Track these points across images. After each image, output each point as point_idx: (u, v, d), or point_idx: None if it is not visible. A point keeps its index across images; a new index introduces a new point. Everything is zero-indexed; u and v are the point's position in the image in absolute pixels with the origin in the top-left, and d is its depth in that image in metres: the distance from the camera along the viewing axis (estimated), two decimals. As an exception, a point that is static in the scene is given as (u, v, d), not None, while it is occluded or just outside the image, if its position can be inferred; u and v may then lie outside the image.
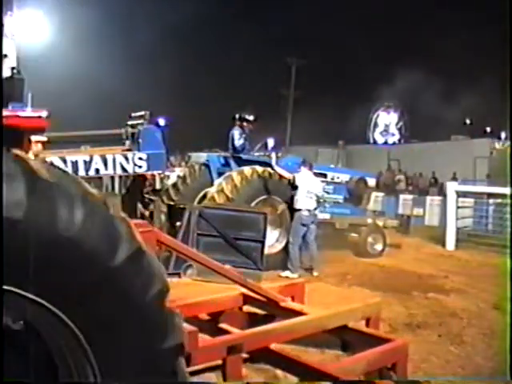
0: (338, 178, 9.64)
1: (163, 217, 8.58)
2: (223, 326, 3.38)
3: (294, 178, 8.02)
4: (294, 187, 7.98)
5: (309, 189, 7.93)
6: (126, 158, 7.00)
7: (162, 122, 8.24)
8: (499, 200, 11.54)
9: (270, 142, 9.49)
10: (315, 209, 8.01)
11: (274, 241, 8.33)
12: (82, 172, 6.77)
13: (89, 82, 26.39)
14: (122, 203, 8.42)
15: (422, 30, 31.56)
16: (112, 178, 7.91)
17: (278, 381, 3.40)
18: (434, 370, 4.21)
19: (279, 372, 3.33)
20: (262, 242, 7.29)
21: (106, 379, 1.29)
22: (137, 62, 31.51)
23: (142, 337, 1.37)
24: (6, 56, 5.99)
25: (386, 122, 35.48)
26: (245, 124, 8.82)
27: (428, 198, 16.00)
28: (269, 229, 7.74)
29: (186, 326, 2.73)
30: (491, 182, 15.15)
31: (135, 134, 7.18)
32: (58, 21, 20.34)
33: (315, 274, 7.83)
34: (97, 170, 6.89)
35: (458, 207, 11.13)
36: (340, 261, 8.72)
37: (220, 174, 8.56)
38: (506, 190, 9.68)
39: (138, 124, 7.30)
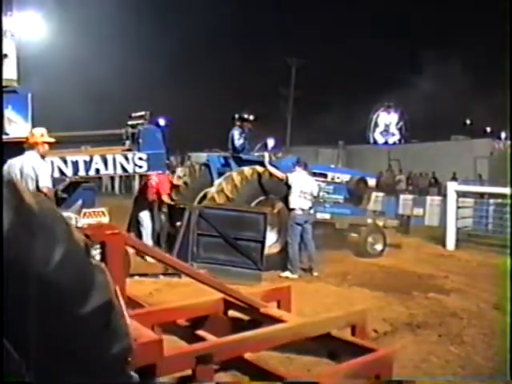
0: (338, 178, 9.64)
1: (163, 217, 8.59)
2: (200, 332, 3.25)
3: (287, 177, 8.01)
4: (288, 187, 7.97)
5: (302, 189, 7.92)
6: (126, 158, 7.00)
7: (162, 121, 8.25)
8: (499, 200, 11.54)
9: (270, 142, 9.48)
10: (310, 208, 8.00)
11: (274, 240, 8.34)
12: (82, 172, 6.78)
13: (89, 82, 26.39)
14: (136, 205, 8.46)
15: (422, 29, 31.56)
16: (112, 178, 7.92)
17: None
18: (434, 370, 4.22)
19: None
20: (262, 242, 7.29)
21: None
22: (137, 61, 31.50)
23: None
24: (6, 56, 6.00)
25: (387, 122, 35.49)
26: (244, 124, 8.82)
27: (428, 198, 15.97)
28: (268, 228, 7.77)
29: (151, 335, 2.66)
30: (491, 182, 15.16)
31: (135, 134, 7.18)
32: (58, 21, 20.34)
33: (315, 274, 7.83)
34: (97, 170, 6.90)
35: (458, 207, 11.12)
36: (340, 261, 8.71)
37: (220, 174, 8.56)
38: (506, 190, 9.67)
39: (138, 124, 7.30)
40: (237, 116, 8.88)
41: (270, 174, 8.12)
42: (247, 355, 2.92)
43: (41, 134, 5.40)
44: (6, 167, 5.33)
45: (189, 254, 7.30)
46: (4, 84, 5.82)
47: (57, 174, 6.38)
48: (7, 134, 5.85)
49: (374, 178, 10.78)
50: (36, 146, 5.36)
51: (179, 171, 9.80)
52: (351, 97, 30.40)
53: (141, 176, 9.40)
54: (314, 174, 8.84)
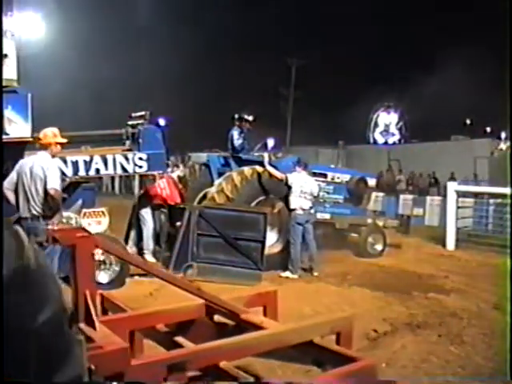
0: (338, 178, 9.64)
1: (163, 217, 8.59)
2: (178, 339, 3.11)
3: (286, 177, 8.01)
4: (288, 187, 7.98)
5: (302, 189, 7.92)
6: (127, 158, 7.01)
7: (162, 122, 8.25)
8: (499, 200, 11.54)
9: (270, 142, 9.49)
10: (311, 208, 8.00)
11: (274, 240, 8.35)
12: (82, 172, 6.79)
13: (89, 82, 26.40)
14: (139, 203, 8.47)
15: (422, 30, 31.56)
16: (112, 178, 7.94)
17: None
18: (434, 369, 4.22)
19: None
20: (262, 242, 7.30)
21: None
22: (137, 61, 31.51)
23: None
24: (6, 56, 6.01)
25: (386, 122, 35.51)
26: (244, 124, 8.82)
27: (428, 198, 15.98)
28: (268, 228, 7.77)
29: (118, 342, 2.56)
30: (491, 182, 15.16)
31: (135, 134, 7.19)
32: (58, 21, 20.34)
33: (315, 274, 7.84)
34: (97, 170, 6.90)
35: (458, 207, 11.13)
36: (340, 261, 8.72)
37: (220, 174, 8.56)
38: (506, 190, 9.67)
39: (138, 124, 7.30)
40: (236, 116, 8.88)
41: (270, 174, 8.13)
42: (223, 364, 2.77)
43: (53, 134, 5.40)
44: (18, 166, 5.33)
45: (189, 254, 7.30)
46: (4, 84, 5.82)
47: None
48: (7, 134, 5.85)
49: (374, 178, 10.79)
50: (49, 146, 5.36)
51: (179, 171, 9.80)
52: (351, 97, 30.42)
53: (141, 176, 9.40)
54: (314, 174, 8.84)
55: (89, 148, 7.06)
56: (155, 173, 7.71)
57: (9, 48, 6.04)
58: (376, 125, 35.58)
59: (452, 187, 11.37)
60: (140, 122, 7.32)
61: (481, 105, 26.89)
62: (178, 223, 7.75)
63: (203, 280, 7.07)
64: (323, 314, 4.68)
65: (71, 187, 6.82)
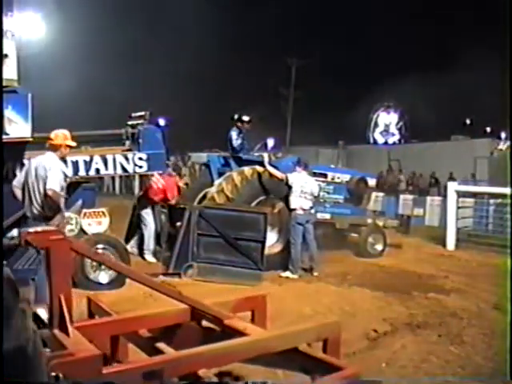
0: (338, 178, 9.64)
1: (163, 217, 8.59)
2: (160, 345, 3.00)
3: (286, 177, 8.01)
4: (289, 187, 7.98)
5: (302, 189, 7.92)
6: (126, 158, 7.01)
7: (162, 122, 8.24)
8: (499, 200, 11.54)
9: (270, 142, 9.50)
10: (311, 208, 8.00)
11: (274, 240, 8.35)
12: (82, 172, 6.79)
13: (89, 82, 26.39)
14: (139, 203, 8.48)
15: (422, 29, 31.55)
16: (113, 178, 7.94)
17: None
18: (434, 369, 4.22)
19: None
20: (263, 242, 7.30)
21: None
22: (137, 61, 31.52)
23: None
24: (6, 56, 6.00)
25: (386, 122, 35.49)
26: (242, 125, 8.81)
27: (428, 198, 15.98)
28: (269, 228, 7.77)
29: (91, 349, 2.50)
30: (491, 182, 15.15)
31: (135, 134, 7.19)
32: (58, 21, 20.34)
33: (315, 274, 7.84)
34: (97, 170, 6.91)
35: (459, 207, 11.13)
36: (340, 261, 8.72)
37: (220, 174, 8.56)
38: (506, 190, 9.67)
39: (138, 124, 7.30)
40: (236, 116, 8.88)
41: (270, 174, 8.13)
42: (202, 371, 2.62)
43: (64, 136, 5.45)
44: (26, 165, 5.45)
45: (189, 254, 7.30)
46: (4, 84, 5.81)
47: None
48: (7, 134, 5.84)
49: (374, 178, 10.79)
50: (59, 148, 5.40)
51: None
52: (351, 97, 30.42)
53: (141, 176, 9.40)
54: (314, 174, 8.84)
55: (89, 148, 7.06)
56: (155, 173, 7.71)
57: (9, 48, 6.03)
58: (376, 125, 35.56)
59: (452, 187, 11.37)
60: (140, 122, 7.32)
61: (481, 105, 26.86)
62: (178, 223, 7.74)
63: (203, 280, 7.08)
64: (310, 320, 4.49)
65: (71, 187, 6.82)
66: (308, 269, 8.01)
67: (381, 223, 9.99)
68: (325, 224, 9.10)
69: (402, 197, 15.92)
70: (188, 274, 7.23)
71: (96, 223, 6.71)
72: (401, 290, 6.80)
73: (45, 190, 5.15)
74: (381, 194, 14.01)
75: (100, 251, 6.55)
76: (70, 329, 2.71)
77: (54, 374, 2.06)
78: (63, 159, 5.72)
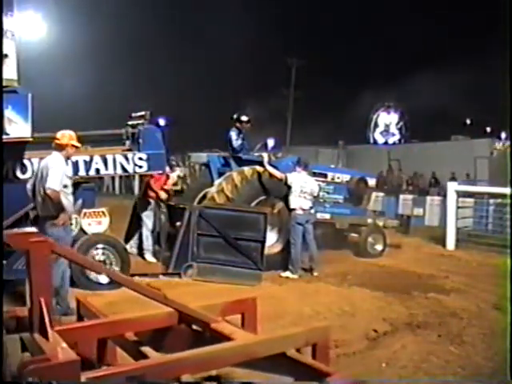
0: (338, 178, 9.64)
1: (163, 217, 8.59)
2: (146, 349, 2.93)
3: (286, 177, 8.01)
4: (288, 187, 7.98)
5: (302, 188, 7.92)
6: (127, 158, 7.01)
7: (162, 122, 8.26)
8: (499, 200, 11.54)
9: (270, 142, 9.50)
10: (311, 208, 8.00)
11: (274, 240, 8.35)
12: (82, 172, 6.79)
13: (89, 81, 26.38)
14: (139, 203, 8.47)
15: (422, 29, 31.55)
16: (113, 178, 7.93)
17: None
18: (434, 370, 4.22)
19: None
20: (263, 242, 7.30)
21: None
22: (137, 62, 31.52)
23: None
24: (6, 56, 6.00)
25: (387, 122, 35.47)
26: (242, 125, 8.80)
27: (428, 198, 15.99)
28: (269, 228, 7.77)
29: (69, 354, 2.43)
30: (491, 182, 15.16)
31: (135, 134, 7.18)
32: (58, 21, 20.35)
33: (315, 274, 7.84)
34: (97, 170, 6.91)
35: (458, 207, 11.13)
36: (340, 261, 8.72)
37: (220, 174, 8.56)
38: (506, 190, 9.67)
39: (138, 124, 7.30)
40: (235, 117, 8.88)
41: (270, 174, 8.13)
42: (185, 377, 2.58)
43: (70, 136, 5.51)
44: (37, 167, 5.62)
45: (189, 254, 7.30)
46: (4, 84, 5.81)
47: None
48: (7, 134, 5.84)
49: (374, 178, 10.79)
50: (65, 147, 5.47)
51: (178, 171, 9.77)
52: (351, 97, 30.42)
53: (141, 176, 9.39)
54: (314, 174, 8.83)
55: (89, 148, 7.05)
56: (155, 173, 7.71)
57: (9, 48, 6.03)
58: (376, 125, 35.54)
59: (452, 187, 11.37)
60: (140, 122, 7.32)
61: (481, 105, 26.87)
62: (178, 223, 7.74)
63: (203, 280, 7.08)
64: (299, 325, 4.41)
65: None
66: (308, 269, 8.01)
67: (381, 223, 9.99)
68: (325, 224, 9.10)
69: (401, 197, 15.93)
70: (188, 273, 7.23)
71: (96, 223, 6.72)
72: (401, 289, 6.80)
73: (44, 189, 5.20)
74: (381, 194, 13.99)
75: (94, 252, 6.59)
76: (50, 332, 2.65)
77: (30, 379, 2.03)
78: (68, 159, 5.81)
